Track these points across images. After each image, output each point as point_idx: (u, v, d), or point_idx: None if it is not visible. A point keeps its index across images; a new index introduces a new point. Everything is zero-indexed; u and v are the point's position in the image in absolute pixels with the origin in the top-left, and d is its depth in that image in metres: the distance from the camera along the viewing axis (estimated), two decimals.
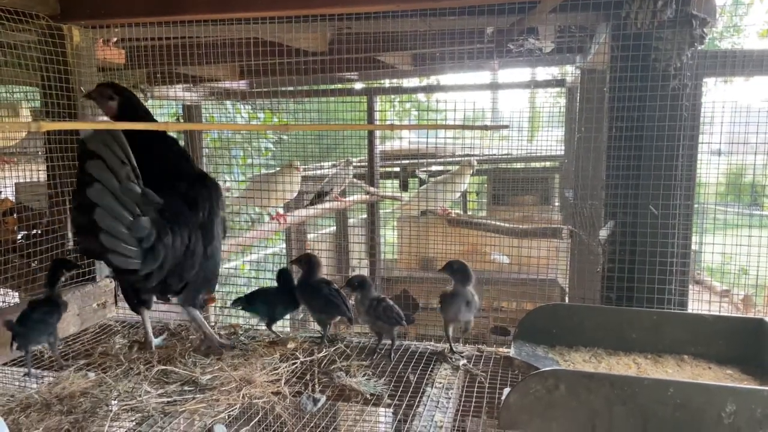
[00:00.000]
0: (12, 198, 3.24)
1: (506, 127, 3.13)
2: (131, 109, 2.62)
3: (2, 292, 3.02)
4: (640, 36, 2.52)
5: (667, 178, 2.57)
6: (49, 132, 3.03)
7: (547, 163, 6.85)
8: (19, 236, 3.01)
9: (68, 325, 2.97)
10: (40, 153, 3.50)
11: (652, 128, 2.56)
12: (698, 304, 3.21)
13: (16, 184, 3.65)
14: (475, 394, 2.38)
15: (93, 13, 2.98)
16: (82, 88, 3.02)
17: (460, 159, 7.04)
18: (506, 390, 2.32)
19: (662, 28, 2.47)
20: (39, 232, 3.03)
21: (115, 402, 2.23)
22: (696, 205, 3.56)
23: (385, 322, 2.70)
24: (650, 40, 2.51)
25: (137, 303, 2.72)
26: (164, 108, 5.77)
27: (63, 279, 2.62)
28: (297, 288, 2.90)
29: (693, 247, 4.25)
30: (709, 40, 2.63)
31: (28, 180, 3.45)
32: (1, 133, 3.48)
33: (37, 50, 3.00)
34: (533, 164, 6.97)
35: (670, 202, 2.58)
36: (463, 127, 2.79)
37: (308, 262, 2.89)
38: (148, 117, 2.70)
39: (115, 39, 3.45)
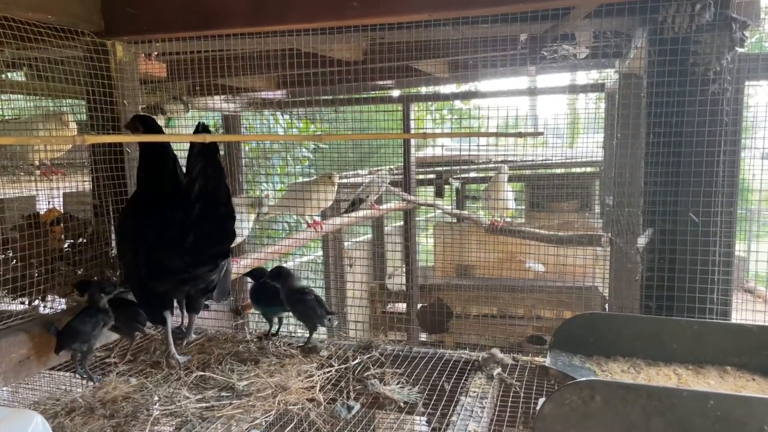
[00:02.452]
0: (60, 208, 3.36)
1: (541, 134, 3.10)
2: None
3: (50, 299, 3.13)
4: (677, 40, 2.47)
5: (708, 184, 2.51)
6: (94, 144, 3.14)
7: (588, 169, 6.75)
8: (66, 245, 3.12)
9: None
10: (86, 164, 3.62)
11: (692, 134, 2.51)
12: (747, 313, 3.10)
13: (64, 194, 3.78)
14: (510, 404, 2.36)
15: (135, 29, 3.08)
16: (125, 102, 3.12)
17: (495, 165, 6.99)
18: (541, 400, 2.29)
19: (700, 32, 2.42)
20: (84, 240, 3.14)
21: (156, 407, 2.29)
22: (743, 212, 3.44)
23: None
24: (688, 44, 2.46)
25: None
26: (204, 119, 5.91)
27: (105, 299, 2.66)
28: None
29: (741, 254, 4.11)
30: (755, 42, 2.56)
31: (74, 190, 3.58)
32: (49, 146, 3.62)
33: (82, 65, 3.12)
34: (573, 170, 6.88)
35: (711, 209, 2.52)
36: (497, 134, 2.78)
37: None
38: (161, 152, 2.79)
39: (156, 53, 3.56)
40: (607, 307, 4.38)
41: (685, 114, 2.50)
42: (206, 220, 2.53)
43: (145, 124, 2.74)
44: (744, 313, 3.11)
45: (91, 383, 2.55)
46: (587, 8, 2.52)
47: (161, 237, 2.59)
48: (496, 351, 2.73)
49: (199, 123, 2.56)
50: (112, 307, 2.71)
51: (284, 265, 3.38)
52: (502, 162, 5.75)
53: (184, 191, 2.53)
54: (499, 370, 2.61)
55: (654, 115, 2.59)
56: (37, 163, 3.86)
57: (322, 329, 3.08)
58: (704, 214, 2.53)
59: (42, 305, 3.06)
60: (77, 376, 2.62)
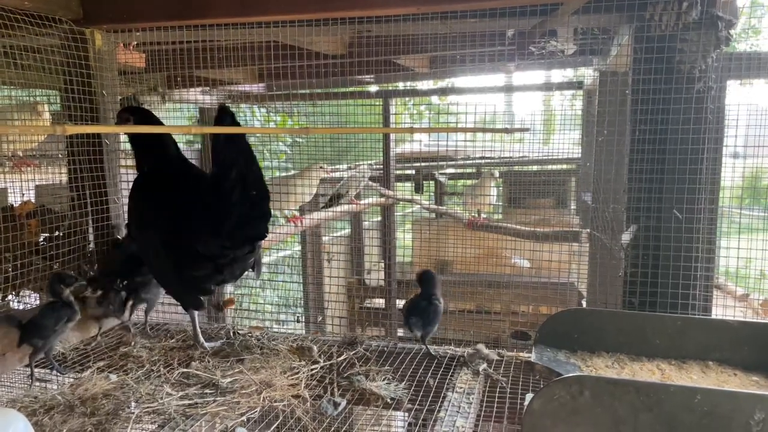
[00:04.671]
0: (33, 200, 3.26)
1: (527, 130, 3.11)
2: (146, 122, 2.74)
3: (24, 294, 3.04)
4: (664, 38, 2.49)
5: (692, 181, 2.54)
6: (71, 135, 3.06)
7: (564, 166, 6.81)
8: (41, 238, 3.03)
9: (89, 326, 2.99)
10: (60, 155, 3.52)
11: (676, 131, 2.53)
12: (717, 309, 3.16)
13: (37, 186, 3.68)
14: (496, 400, 2.36)
15: (115, 18, 3.00)
16: (104, 92, 3.04)
17: (474, 162, 7.01)
18: (529, 395, 2.30)
19: (687, 30, 2.44)
20: (60, 234, 3.06)
21: (137, 404, 2.23)
22: None
23: None
24: (674, 42, 2.48)
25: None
26: (182, 111, 5.80)
27: (67, 291, 2.59)
28: None
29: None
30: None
31: (49, 182, 3.48)
32: (23, 136, 3.51)
33: (59, 54, 3.03)
34: (549, 167, 6.93)
35: (695, 206, 2.55)
36: (484, 130, 2.78)
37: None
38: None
39: (135, 43, 3.48)
40: (584, 303, 4.42)
41: (670, 111, 2.52)
42: (243, 203, 2.50)
43: (135, 114, 2.72)
44: (718, 308, 3.17)
45: (37, 382, 2.50)
46: (576, 4, 2.53)
47: (195, 222, 2.57)
48: (481, 347, 2.73)
49: (221, 106, 2.55)
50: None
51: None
52: (486, 159, 5.76)
53: (217, 176, 2.51)
54: (484, 365, 2.61)
55: (639, 112, 2.61)
56: (9, 154, 3.74)
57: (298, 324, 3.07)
58: (687, 210, 2.56)
59: (16, 300, 2.98)
60: (53, 372, 2.55)
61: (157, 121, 2.83)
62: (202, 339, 2.86)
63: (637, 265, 2.66)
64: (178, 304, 2.87)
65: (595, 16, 2.65)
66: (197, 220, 2.57)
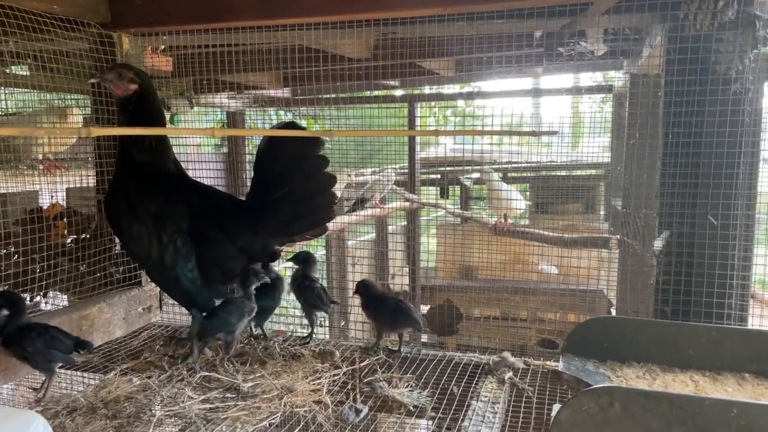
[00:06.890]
0: (63, 202, 3.31)
1: (555, 133, 3.05)
2: (149, 99, 2.62)
3: (52, 295, 3.07)
4: (698, 38, 2.41)
5: (728, 186, 2.45)
6: (99, 138, 3.08)
7: (593, 171, 6.70)
8: (69, 240, 3.06)
9: (114, 328, 3.01)
10: (89, 159, 3.56)
11: (711, 134, 2.45)
12: (754, 319, 3.05)
13: (66, 188, 3.73)
14: (522, 409, 2.30)
15: (142, 21, 3.03)
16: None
17: (501, 167, 6.93)
18: (556, 406, 2.24)
19: (723, 30, 2.36)
20: (88, 236, 3.08)
21: (159, 407, 2.23)
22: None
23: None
24: (710, 42, 2.40)
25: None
26: (209, 115, 5.85)
27: (254, 286, 2.65)
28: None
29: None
30: None
31: (78, 185, 3.52)
32: (54, 139, 3.56)
33: (88, 58, 3.06)
34: (577, 172, 6.83)
35: (731, 212, 2.46)
36: (511, 132, 2.73)
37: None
38: (160, 112, 2.76)
39: (162, 47, 3.50)
40: (613, 311, 4.33)
41: (705, 114, 2.44)
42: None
43: (141, 79, 2.59)
44: (756, 319, 3.05)
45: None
46: (607, 4, 2.46)
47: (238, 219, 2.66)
48: (507, 354, 2.67)
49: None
50: (26, 333, 2.38)
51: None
52: (513, 164, 5.67)
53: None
54: (510, 374, 2.55)
55: (672, 115, 2.53)
56: (40, 157, 3.80)
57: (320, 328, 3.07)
58: (723, 216, 2.48)
59: (44, 301, 3.01)
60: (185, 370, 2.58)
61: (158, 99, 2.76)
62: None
63: (669, 272, 2.58)
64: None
65: (627, 16, 2.58)
66: (238, 217, 2.66)
